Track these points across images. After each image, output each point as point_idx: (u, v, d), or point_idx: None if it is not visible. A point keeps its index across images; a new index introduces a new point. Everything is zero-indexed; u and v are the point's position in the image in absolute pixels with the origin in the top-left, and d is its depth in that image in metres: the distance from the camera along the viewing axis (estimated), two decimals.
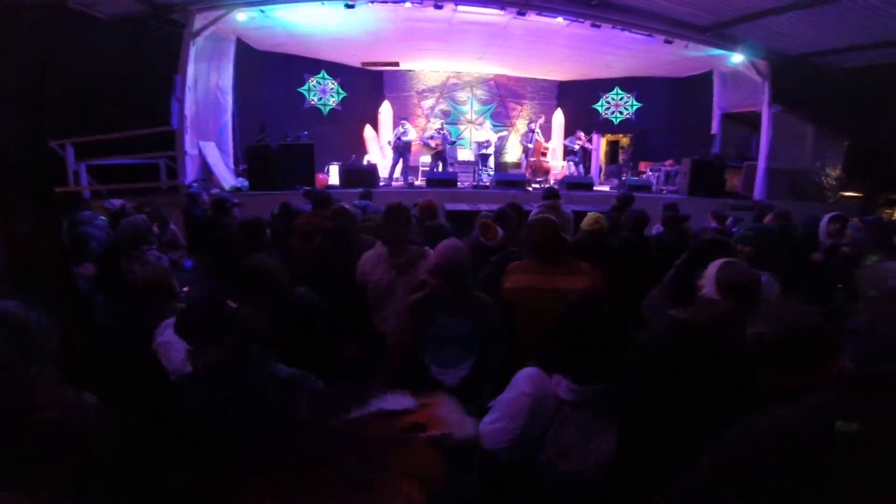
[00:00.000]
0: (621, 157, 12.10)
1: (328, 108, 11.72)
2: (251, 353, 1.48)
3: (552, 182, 10.66)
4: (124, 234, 3.42)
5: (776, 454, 1.03)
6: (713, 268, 1.85)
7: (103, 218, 4.31)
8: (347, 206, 3.33)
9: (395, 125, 10.73)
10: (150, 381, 2.10)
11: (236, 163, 9.26)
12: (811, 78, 8.94)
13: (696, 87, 11.26)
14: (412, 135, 10.37)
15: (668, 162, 10.74)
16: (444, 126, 11.49)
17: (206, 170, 8.18)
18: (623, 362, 1.53)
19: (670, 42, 8.63)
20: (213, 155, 8.38)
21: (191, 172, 7.63)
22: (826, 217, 3.78)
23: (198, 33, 7.55)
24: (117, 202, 4.87)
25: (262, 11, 7.92)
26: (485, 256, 3.04)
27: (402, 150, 10.15)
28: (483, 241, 3.11)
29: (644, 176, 11.00)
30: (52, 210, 2.13)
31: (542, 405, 1.52)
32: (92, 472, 0.96)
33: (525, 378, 1.57)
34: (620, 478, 1.47)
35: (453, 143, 11.59)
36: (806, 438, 1.01)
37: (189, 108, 7.56)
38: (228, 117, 9.17)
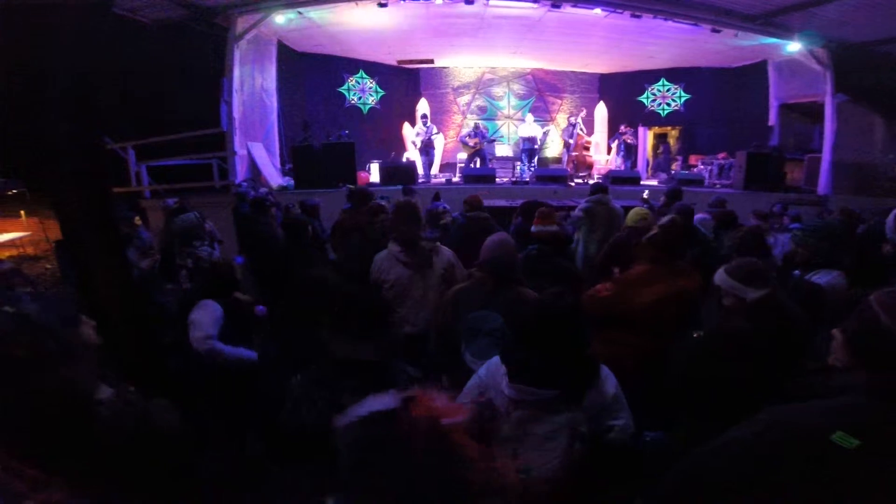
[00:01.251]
0: (660, 151, 11.58)
1: (367, 107, 11.90)
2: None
3: (596, 177, 10.37)
4: (178, 230, 3.60)
5: (779, 453, 1.04)
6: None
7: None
8: (383, 202, 3.35)
9: (415, 124, 10.68)
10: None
11: (282, 162, 9.56)
12: (877, 66, 8.28)
13: (749, 77, 10.69)
14: (433, 131, 10.37)
15: (721, 155, 10.23)
16: (482, 123, 11.43)
17: (254, 169, 8.49)
18: (575, 375, 1.50)
19: (718, 31, 8.18)
20: (260, 155, 8.68)
21: (241, 172, 7.94)
22: (893, 212, 3.46)
23: (241, 36, 7.83)
24: (171, 201, 5.12)
25: (299, 13, 8.12)
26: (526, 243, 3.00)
27: (425, 148, 10.18)
28: (541, 226, 3.00)
29: (695, 169, 10.52)
30: (108, 209, 2.23)
31: (490, 393, 1.54)
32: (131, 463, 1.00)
33: (485, 364, 1.63)
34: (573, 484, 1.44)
35: (492, 140, 11.49)
36: (808, 442, 1.01)
37: (237, 109, 7.86)
38: (274, 118, 9.48)
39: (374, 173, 9.94)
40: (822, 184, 8.77)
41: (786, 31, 8.20)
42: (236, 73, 7.83)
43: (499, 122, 12.60)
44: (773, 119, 10.33)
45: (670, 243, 2.41)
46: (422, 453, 0.77)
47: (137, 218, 4.45)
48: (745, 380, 1.53)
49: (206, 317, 2.44)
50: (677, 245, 2.44)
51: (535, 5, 7.89)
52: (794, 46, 8.51)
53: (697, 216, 4.24)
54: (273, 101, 9.41)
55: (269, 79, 9.30)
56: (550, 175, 9.59)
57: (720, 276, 1.98)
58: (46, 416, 0.96)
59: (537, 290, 2.45)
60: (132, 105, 7.26)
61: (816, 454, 0.98)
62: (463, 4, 7.76)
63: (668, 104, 12.10)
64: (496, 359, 1.59)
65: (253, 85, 8.74)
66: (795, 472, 1.01)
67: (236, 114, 7.82)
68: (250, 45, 8.28)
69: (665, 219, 2.57)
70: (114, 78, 7.00)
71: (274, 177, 8.69)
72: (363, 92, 11.81)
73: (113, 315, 2.14)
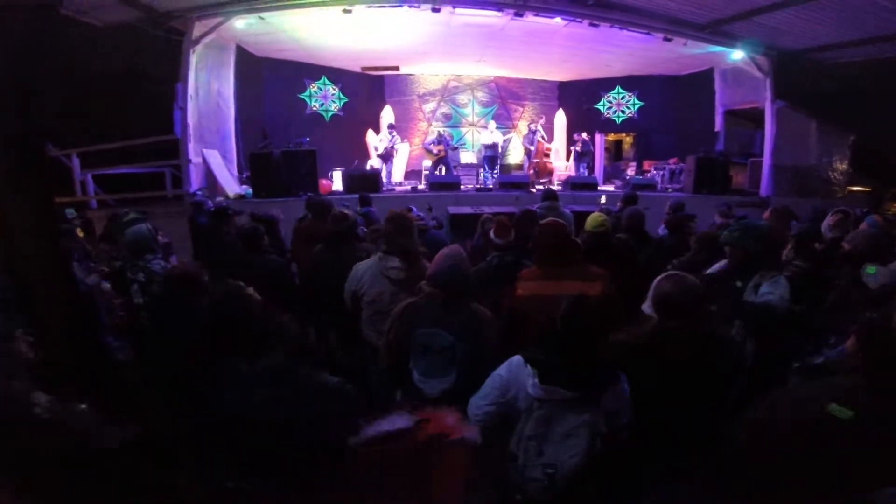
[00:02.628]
0: (604, 158, 12.06)
1: (330, 114, 11.76)
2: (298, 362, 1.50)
3: (556, 183, 10.64)
4: (129, 243, 3.44)
5: (791, 428, 1.15)
6: (655, 281, 1.81)
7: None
8: (347, 212, 3.31)
9: (380, 132, 10.65)
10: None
11: (240, 170, 9.31)
12: (813, 73, 8.90)
13: (698, 84, 11.22)
14: (397, 140, 10.38)
15: (672, 160, 10.69)
16: (446, 130, 11.52)
17: (210, 178, 8.23)
18: (597, 377, 1.56)
19: (669, 40, 8.60)
20: (216, 163, 8.42)
21: (195, 181, 7.67)
22: (831, 213, 3.74)
23: (197, 41, 7.59)
24: (124, 211, 4.91)
25: (260, 18, 7.95)
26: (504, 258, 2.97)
27: (386, 156, 10.17)
28: (495, 239, 3.01)
29: (648, 174, 10.96)
30: (50, 217, 2.13)
31: (512, 392, 1.60)
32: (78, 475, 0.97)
33: (507, 362, 1.67)
34: (594, 481, 1.52)
35: (455, 148, 11.59)
36: (813, 417, 1.12)
37: (191, 116, 7.60)
38: (231, 125, 9.23)
39: (336, 181, 9.83)
40: (764, 186, 9.32)
41: (731, 40, 8.67)
42: (191, 78, 7.58)
43: (463, 130, 12.74)
44: (718, 125, 10.90)
45: (546, 246, 2.44)
46: (431, 468, 0.82)
47: (79, 229, 4.22)
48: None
49: None
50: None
51: (500, 14, 8.05)
52: (737, 54, 9.02)
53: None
54: (230, 107, 9.16)
55: (226, 84, 9.05)
56: (512, 182, 9.77)
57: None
58: None
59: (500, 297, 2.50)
60: (78, 111, 6.92)
61: (814, 424, 1.09)
62: (430, 12, 7.83)
63: (623, 111, 12.58)
64: (517, 358, 1.64)
65: (209, 90, 8.48)
66: (800, 442, 1.11)
67: (191, 120, 7.56)
68: (207, 49, 8.03)
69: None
70: (58, 82, 6.65)
71: (231, 185, 8.45)
72: (326, 98, 11.68)
73: (56, 331, 2.04)
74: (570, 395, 1.50)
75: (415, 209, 5.28)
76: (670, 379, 1.62)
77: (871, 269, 2.41)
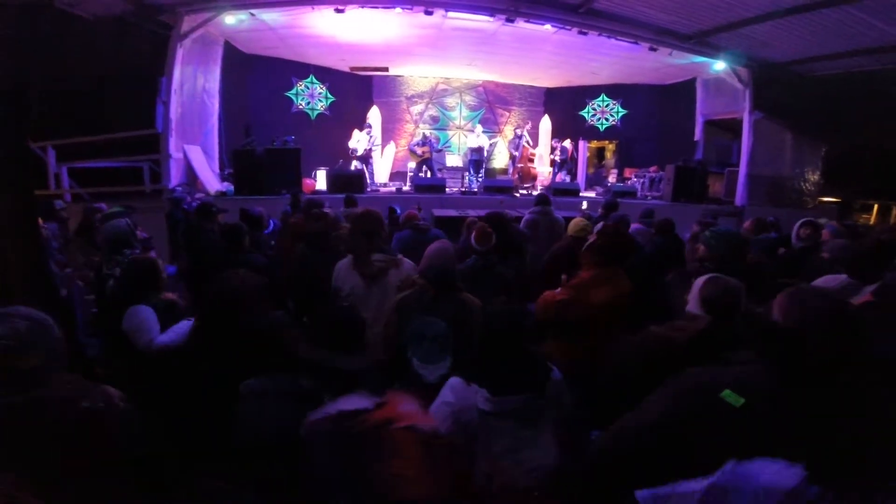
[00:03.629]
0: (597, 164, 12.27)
1: (316, 113, 11.68)
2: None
3: (539, 188, 10.76)
4: (107, 237, 3.37)
5: (693, 410, 1.17)
6: (697, 283, 1.85)
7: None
8: (328, 211, 3.30)
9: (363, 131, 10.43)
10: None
11: (222, 167, 9.17)
12: (791, 86, 9.18)
13: (680, 94, 11.46)
14: (375, 142, 10.37)
15: (653, 168, 10.91)
16: (431, 133, 11.54)
17: (190, 174, 8.08)
18: (544, 373, 1.59)
19: (655, 49, 8.79)
20: (198, 159, 8.28)
21: (175, 176, 7.53)
22: (798, 222, 3.87)
23: (185, 35, 7.46)
24: (102, 205, 4.80)
25: (251, 14, 7.87)
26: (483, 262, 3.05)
27: (366, 158, 10.14)
28: (475, 245, 3.09)
29: (629, 182, 11.15)
30: (31, 211, 2.10)
31: (465, 415, 1.56)
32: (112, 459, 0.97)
33: (448, 388, 1.63)
34: (562, 486, 1.51)
35: (440, 150, 11.63)
36: (703, 398, 1.16)
37: (174, 111, 7.45)
38: (214, 121, 9.08)
39: (320, 181, 9.76)
40: (739, 195, 9.58)
41: (714, 51, 8.89)
42: (177, 72, 7.43)
43: (450, 133, 12.79)
44: (698, 134, 11.16)
45: (610, 247, 2.57)
46: (371, 451, 0.82)
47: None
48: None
49: (141, 323, 2.29)
50: (617, 249, 2.58)
51: (492, 19, 8.12)
52: (719, 65, 9.25)
53: (633, 227, 4.53)
54: (215, 103, 9.02)
55: (212, 80, 8.91)
56: (497, 186, 9.86)
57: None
58: None
59: (479, 298, 2.55)
60: (56, 102, 6.73)
61: (709, 409, 1.13)
62: (422, 14, 7.84)
63: (607, 119, 12.80)
64: (457, 381, 1.61)
65: (194, 85, 8.34)
66: (697, 425, 1.14)
67: (174, 115, 7.42)
68: (195, 44, 7.90)
69: (600, 225, 2.75)
70: (37, 73, 6.46)
71: (211, 182, 8.32)
72: (312, 97, 11.60)
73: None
74: (525, 398, 1.52)
75: (398, 208, 5.31)
76: None
77: None
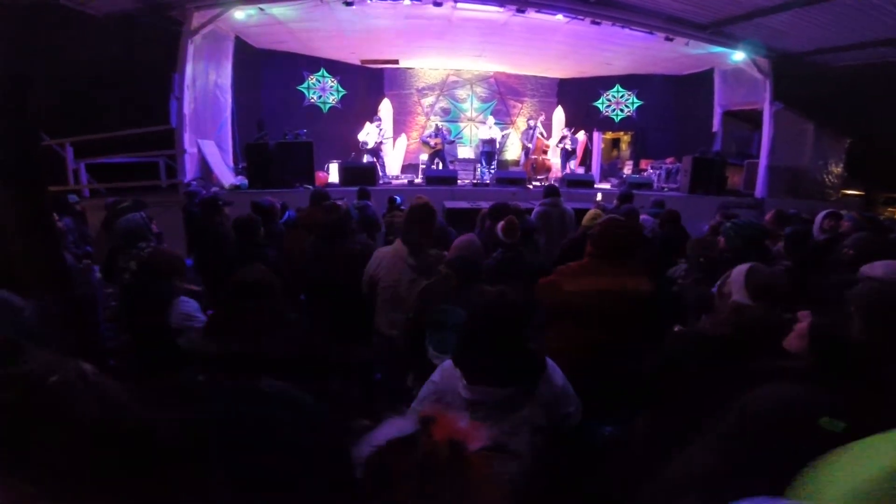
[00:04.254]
0: (615, 154, 12.05)
1: (328, 106, 11.70)
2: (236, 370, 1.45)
3: (552, 180, 10.64)
4: (122, 231, 3.41)
5: (772, 428, 1.06)
6: (739, 273, 1.77)
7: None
8: (339, 203, 3.30)
9: (373, 124, 10.32)
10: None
11: (236, 161, 9.26)
12: (812, 76, 8.93)
13: (697, 84, 11.23)
14: (385, 135, 10.33)
15: (669, 159, 10.72)
16: (444, 124, 11.48)
17: (205, 168, 8.18)
18: (525, 369, 1.54)
19: (671, 39, 8.60)
20: (212, 153, 8.37)
21: (190, 171, 7.63)
22: (822, 213, 3.76)
23: (196, 31, 7.52)
24: (111, 199, 4.88)
25: (260, 9, 7.89)
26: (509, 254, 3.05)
27: (377, 151, 10.11)
28: (503, 238, 3.07)
29: (645, 173, 10.98)
30: (43, 205, 2.13)
31: (447, 398, 1.55)
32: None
33: (439, 368, 1.64)
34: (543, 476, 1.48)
35: (452, 141, 11.57)
36: (800, 420, 1.04)
37: (188, 106, 7.53)
38: (228, 115, 9.16)
39: (333, 173, 9.79)
40: (759, 187, 9.36)
41: (732, 41, 8.68)
42: (189, 68, 7.50)
43: (461, 125, 12.71)
44: (716, 125, 10.93)
45: (607, 239, 2.40)
46: (445, 479, 0.72)
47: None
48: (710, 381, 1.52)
49: (192, 313, 2.31)
50: (617, 241, 2.41)
51: (501, 9, 8.02)
52: (738, 55, 9.02)
53: (642, 217, 4.45)
54: (227, 98, 9.10)
55: (224, 75, 8.98)
56: (509, 178, 9.77)
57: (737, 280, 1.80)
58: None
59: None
60: (73, 100, 6.86)
61: (806, 438, 0.99)
62: (431, 6, 7.78)
63: (622, 110, 12.58)
64: (449, 363, 1.59)
65: (206, 81, 8.42)
66: (786, 458, 1.00)
67: (187, 110, 7.50)
68: (205, 40, 7.96)
69: (604, 216, 2.68)
70: (54, 71, 6.59)
71: (226, 175, 8.41)
72: (324, 91, 11.61)
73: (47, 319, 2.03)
74: (502, 392, 1.47)
75: (398, 199, 5.31)
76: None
77: None
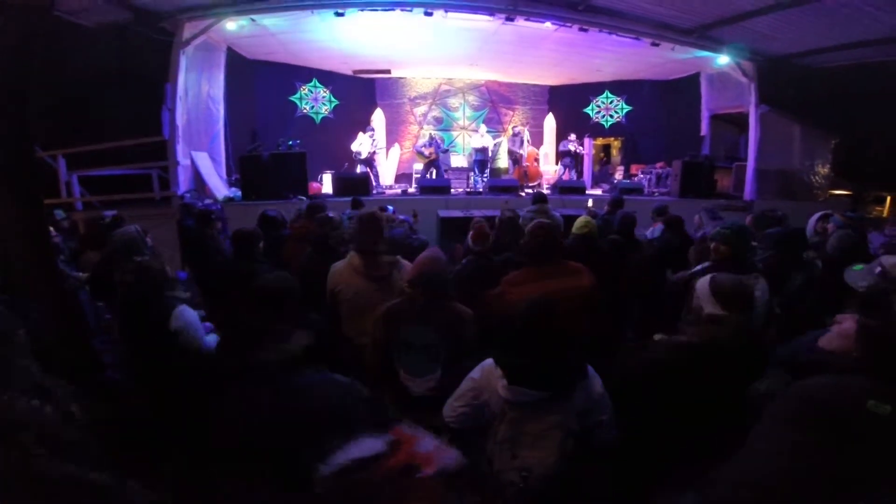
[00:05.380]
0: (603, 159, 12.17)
1: (320, 117, 11.75)
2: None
3: (545, 187, 10.72)
4: (118, 244, 3.39)
5: (823, 412, 1.10)
6: (703, 286, 1.80)
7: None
8: (332, 215, 3.32)
9: (367, 133, 10.37)
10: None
11: (229, 172, 9.25)
12: (797, 78, 9.09)
13: (685, 89, 11.39)
14: (378, 145, 10.38)
15: (659, 164, 10.83)
16: (437, 133, 11.55)
17: (198, 180, 8.17)
18: (566, 374, 1.57)
19: (657, 45, 8.73)
20: (205, 165, 8.37)
21: (183, 183, 7.61)
22: (815, 216, 3.82)
23: (187, 42, 7.54)
24: (109, 213, 4.87)
25: (252, 20, 7.94)
26: (479, 262, 3.05)
27: (370, 161, 10.15)
28: (472, 245, 3.10)
29: (635, 178, 11.09)
30: (39, 216, 2.13)
31: (485, 396, 1.61)
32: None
33: (479, 366, 1.68)
34: (569, 482, 1.51)
35: (446, 150, 11.63)
36: (845, 406, 1.08)
37: (180, 117, 7.54)
38: (220, 127, 9.17)
39: (326, 184, 9.81)
40: (748, 190, 9.48)
41: (717, 45, 8.81)
42: (181, 79, 7.52)
43: (454, 133, 12.79)
44: (704, 129, 11.08)
45: (536, 242, 2.53)
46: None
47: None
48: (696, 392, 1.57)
49: (192, 322, 2.34)
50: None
51: (491, 18, 8.12)
52: (723, 59, 9.15)
53: (651, 229, 4.54)
54: (220, 109, 9.11)
55: (216, 86, 9.00)
56: (502, 185, 9.84)
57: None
58: None
59: (475, 297, 2.54)
60: (65, 111, 6.84)
61: (855, 423, 1.05)
62: (422, 16, 7.87)
63: (612, 116, 12.73)
64: (489, 361, 1.64)
65: (199, 92, 8.44)
66: (836, 443, 1.06)
67: (180, 122, 7.51)
68: (198, 51, 7.99)
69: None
70: (46, 82, 6.57)
71: (219, 187, 8.40)
72: (316, 101, 11.66)
73: (45, 331, 2.04)
74: (539, 395, 1.51)
75: (389, 209, 5.32)
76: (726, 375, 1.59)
77: (857, 266, 2.35)
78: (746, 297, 1.73)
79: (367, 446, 0.78)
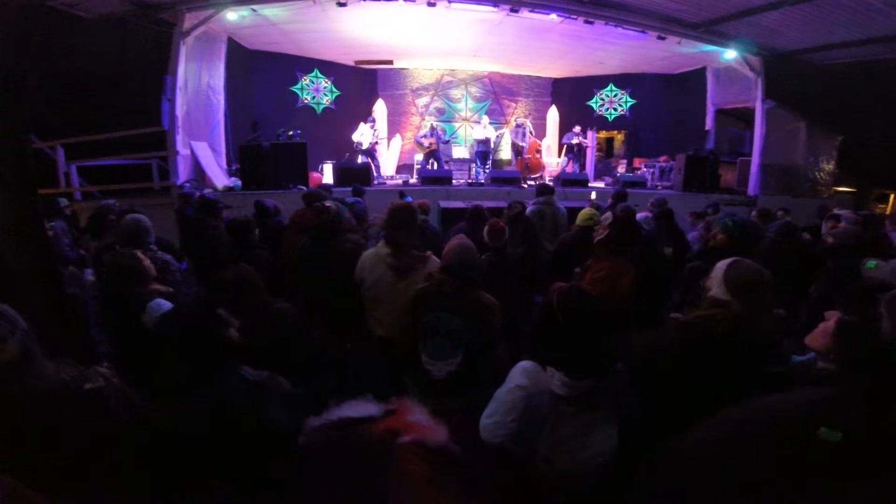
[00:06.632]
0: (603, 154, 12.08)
1: (322, 107, 11.67)
2: (222, 360, 1.46)
3: (547, 179, 10.65)
4: (126, 230, 3.31)
5: (757, 445, 1.06)
6: (720, 268, 1.75)
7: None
8: (329, 204, 3.28)
9: (367, 124, 10.24)
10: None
11: (229, 162, 9.20)
12: (804, 74, 8.99)
13: (690, 83, 11.29)
14: (379, 135, 10.31)
15: (663, 158, 10.76)
16: (438, 124, 11.47)
17: (198, 170, 8.12)
18: (616, 357, 1.53)
19: (663, 38, 8.63)
20: (205, 155, 8.32)
21: (183, 173, 7.57)
22: (828, 214, 3.81)
23: (188, 33, 7.47)
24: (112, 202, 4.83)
25: (252, 10, 7.85)
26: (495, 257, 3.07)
27: (371, 151, 10.09)
28: (488, 241, 3.10)
29: (639, 172, 11.02)
30: (33, 209, 2.10)
31: (537, 399, 1.50)
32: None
33: (521, 372, 1.56)
34: (621, 474, 1.45)
35: (447, 141, 11.56)
36: (790, 434, 1.04)
37: (180, 108, 7.48)
38: (220, 117, 9.10)
39: (327, 174, 9.76)
40: (752, 185, 9.41)
41: (724, 39, 8.72)
42: (181, 70, 7.45)
43: (456, 125, 12.71)
44: (709, 124, 10.98)
45: (625, 237, 2.59)
46: (372, 466, 0.73)
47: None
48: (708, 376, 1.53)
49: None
50: (630, 238, 2.60)
51: (495, 9, 8.02)
52: (730, 54, 9.07)
53: (640, 215, 4.47)
54: (220, 99, 9.03)
55: (216, 76, 8.92)
56: (504, 177, 9.78)
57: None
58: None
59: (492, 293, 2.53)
60: (64, 102, 6.81)
61: (801, 449, 1.01)
62: (425, 6, 7.77)
63: (615, 109, 12.62)
64: (530, 365, 1.56)
65: (199, 82, 8.36)
66: (777, 466, 1.03)
67: (179, 112, 7.45)
68: (198, 41, 7.91)
69: (608, 216, 2.71)
70: (45, 73, 6.53)
71: (219, 177, 8.36)
72: (317, 91, 11.58)
73: (41, 324, 2.01)
74: (595, 382, 1.48)
75: (408, 198, 5.29)
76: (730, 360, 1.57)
77: (871, 263, 2.31)
78: (760, 289, 1.66)
79: (361, 408, 0.80)
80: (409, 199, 5.25)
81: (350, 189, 5.60)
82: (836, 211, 3.89)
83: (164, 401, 1.38)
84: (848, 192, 9.65)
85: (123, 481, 0.99)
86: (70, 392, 1.02)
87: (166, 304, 2.26)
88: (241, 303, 1.86)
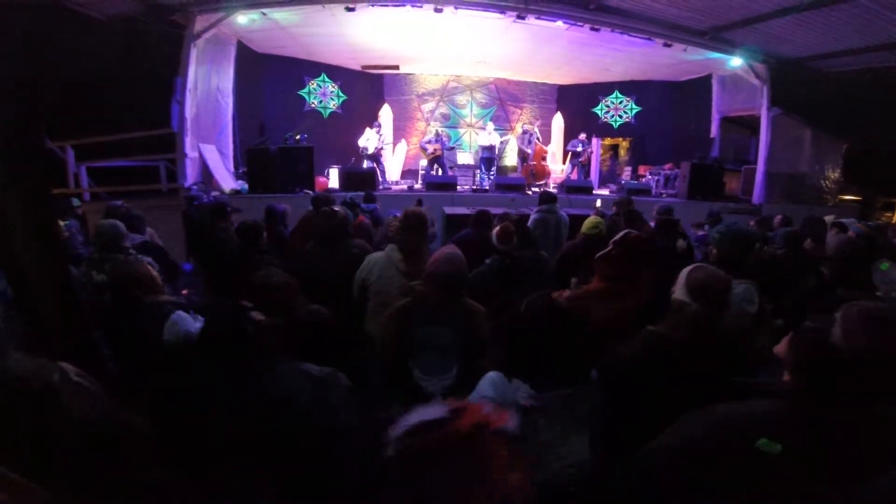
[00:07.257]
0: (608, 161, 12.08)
1: (329, 111, 11.75)
2: (275, 357, 1.49)
3: (552, 186, 10.67)
4: (104, 235, 3.22)
5: (711, 452, 1.10)
6: (683, 273, 1.75)
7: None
8: (337, 209, 3.30)
9: (373, 129, 10.24)
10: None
11: (236, 165, 9.28)
12: (810, 81, 8.99)
13: (695, 90, 11.29)
14: (384, 140, 10.36)
15: (668, 165, 10.75)
16: (443, 130, 11.52)
17: (206, 172, 8.19)
18: (582, 369, 1.55)
19: (669, 45, 8.66)
20: (213, 158, 8.39)
21: (191, 175, 7.64)
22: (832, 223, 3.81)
23: (198, 35, 7.57)
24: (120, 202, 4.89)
25: (262, 14, 7.95)
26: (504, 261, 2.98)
27: (377, 156, 10.14)
28: (497, 244, 3.04)
29: (643, 179, 11.01)
30: (47, 209, 2.12)
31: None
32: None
33: (488, 383, 1.57)
34: (594, 484, 1.47)
35: (452, 147, 11.60)
36: (739, 444, 1.07)
37: (189, 110, 7.57)
38: (229, 120, 9.19)
39: (333, 178, 9.82)
40: (757, 193, 9.39)
41: (730, 47, 8.74)
42: (191, 72, 7.54)
43: (461, 131, 12.76)
44: (714, 131, 10.97)
45: (626, 259, 2.29)
46: (465, 458, 0.76)
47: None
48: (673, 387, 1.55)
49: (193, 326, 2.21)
50: (634, 261, 2.30)
51: (502, 16, 8.09)
52: (736, 61, 9.08)
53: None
54: (229, 102, 9.13)
55: (225, 79, 9.02)
56: (509, 183, 9.80)
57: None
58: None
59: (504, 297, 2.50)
60: (74, 102, 6.89)
61: (742, 460, 1.05)
62: (432, 12, 7.84)
63: (621, 116, 12.64)
64: (497, 375, 1.57)
65: (208, 85, 8.45)
66: (724, 476, 1.07)
67: (188, 114, 7.53)
68: (208, 44, 8.01)
69: (620, 234, 2.61)
70: (56, 73, 6.62)
71: (227, 180, 8.42)
72: (325, 96, 11.67)
73: (53, 326, 2.03)
74: (565, 392, 1.51)
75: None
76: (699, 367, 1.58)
77: (884, 264, 2.23)
78: (716, 291, 1.64)
79: (426, 412, 0.81)
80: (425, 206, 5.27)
81: (355, 195, 5.64)
82: (841, 220, 3.89)
83: (170, 405, 1.40)
84: (853, 200, 9.62)
85: (78, 482, 0.96)
86: (22, 387, 0.99)
87: (186, 317, 2.17)
88: (280, 305, 1.89)
